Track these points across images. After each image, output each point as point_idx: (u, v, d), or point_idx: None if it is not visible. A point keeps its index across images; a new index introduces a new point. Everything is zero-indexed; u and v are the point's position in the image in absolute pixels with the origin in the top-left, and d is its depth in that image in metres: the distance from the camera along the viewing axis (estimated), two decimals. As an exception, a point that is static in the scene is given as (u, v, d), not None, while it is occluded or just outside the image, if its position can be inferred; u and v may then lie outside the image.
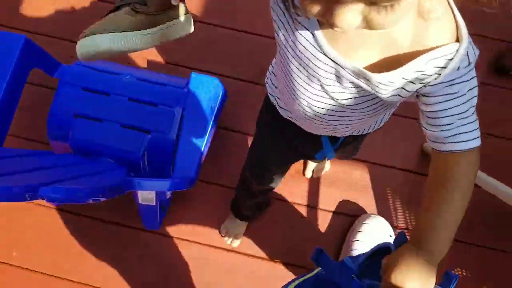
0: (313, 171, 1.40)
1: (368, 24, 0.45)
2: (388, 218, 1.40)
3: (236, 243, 1.35)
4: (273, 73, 0.81)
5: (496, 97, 1.53)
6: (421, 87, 0.56)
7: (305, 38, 0.57)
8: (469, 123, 0.57)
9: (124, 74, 1.19)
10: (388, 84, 0.56)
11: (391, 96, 0.58)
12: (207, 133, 1.13)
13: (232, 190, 1.33)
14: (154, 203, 1.16)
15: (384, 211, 1.41)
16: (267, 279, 1.34)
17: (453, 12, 0.53)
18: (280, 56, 0.65)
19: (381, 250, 0.67)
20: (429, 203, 0.58)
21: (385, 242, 0.70)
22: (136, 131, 1.17)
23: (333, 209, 1.41)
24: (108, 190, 0.85)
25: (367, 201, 1.42)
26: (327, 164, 1.40)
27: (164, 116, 1.16)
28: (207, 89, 1.15)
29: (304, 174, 1.40)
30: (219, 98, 1.17)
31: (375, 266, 0.61)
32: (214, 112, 1.15)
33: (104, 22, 0.73)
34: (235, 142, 1.44)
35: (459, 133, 0.57)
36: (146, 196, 1.13)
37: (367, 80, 0.56)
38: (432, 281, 0.55)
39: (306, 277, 0.72)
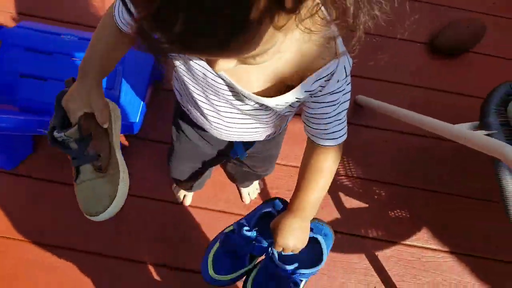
0: (249, 194, 1.44)
1: (244, 63, 0.50)
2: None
3: (187, 201, 1.41)
4: (175, 78, 0.82)
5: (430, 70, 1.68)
6: (309, 98, 0.65)
7: (200, 65, 0.63)
8: (341, 123, 0.69)
9: (65, 34, 1.24)
10: (284, 104, 0.65)
11: (287, 111, 0.69)
12: (148, 81, 1.19)
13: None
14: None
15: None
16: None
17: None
18: (179, 75, 0.70)
19: (266, 214, 0.88)
20: (302, 183, 0.75)
21: (265, 206, 0.89)
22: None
23: (281, 162, 1.49)
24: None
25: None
26: (257, 184, 1.45)
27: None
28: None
29: (243, 201, 1.44)
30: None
31: (264, 229, 0.85)
32: (153, 61, 1.21)
33: (99, 195, 0.75)
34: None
35: (333, 132, 0.69)
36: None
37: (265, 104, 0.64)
38: (307, 237, 0.79)
39: (215, 247, 0.91)
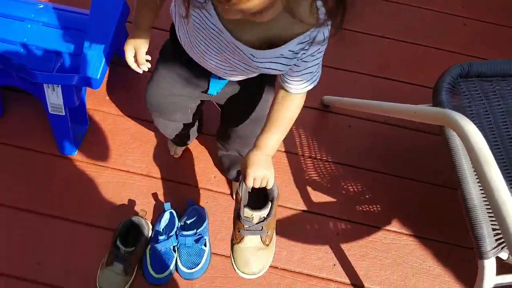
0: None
1: (247, 17, 0.63)
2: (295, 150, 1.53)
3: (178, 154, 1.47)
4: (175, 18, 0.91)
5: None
6: (295, 60, 0.79)
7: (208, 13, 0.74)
8: (315, 75, 0.85)
9: (38, 3, 1.31)
10: (267, 57, 0.77)
11: (266, 67, 0.80)
12: (110, 41, 1.23)
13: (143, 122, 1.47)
14: (63, 113, 1.24)
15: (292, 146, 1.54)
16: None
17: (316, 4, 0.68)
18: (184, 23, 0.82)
19: None
20: (268, 127, 0.89)
21: None
22: (49, 53, 1.27)
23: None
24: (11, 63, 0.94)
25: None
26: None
27: (73, 39, 1.27)
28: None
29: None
30: (120, 8, 1.29)
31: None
32: (116, 20, 1.26)
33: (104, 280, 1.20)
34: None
35: (305, 81, 0.85)
36: (54, 102, 1.21)
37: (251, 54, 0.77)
38: (272, 168, 0.89)
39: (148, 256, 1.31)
